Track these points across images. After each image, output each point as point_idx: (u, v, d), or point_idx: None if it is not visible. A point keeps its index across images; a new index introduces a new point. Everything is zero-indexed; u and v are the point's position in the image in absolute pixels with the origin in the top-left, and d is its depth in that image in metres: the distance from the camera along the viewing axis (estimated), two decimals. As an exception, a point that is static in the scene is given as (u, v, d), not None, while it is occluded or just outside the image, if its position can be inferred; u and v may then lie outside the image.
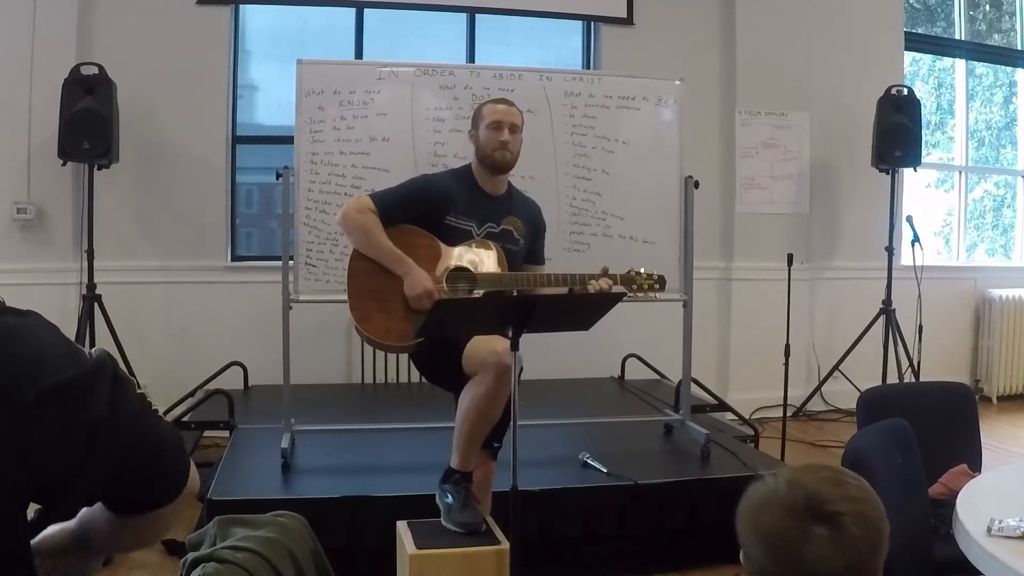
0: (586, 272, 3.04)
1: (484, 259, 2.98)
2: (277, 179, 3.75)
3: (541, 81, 3.95)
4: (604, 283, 2.96)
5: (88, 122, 4.46)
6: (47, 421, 1.02)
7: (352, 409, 4.75)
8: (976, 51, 6.69)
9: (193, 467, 1.20)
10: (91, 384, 1.07)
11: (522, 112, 3.15)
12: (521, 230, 3.10)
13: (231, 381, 4.83)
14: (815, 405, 5.78)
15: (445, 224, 2.99)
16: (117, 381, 1.10)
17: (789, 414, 4.53)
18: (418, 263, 2.94)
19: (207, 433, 4.41)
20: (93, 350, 1.14)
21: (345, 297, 3.05)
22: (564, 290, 3.00)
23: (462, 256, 2.98)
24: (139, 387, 1.18)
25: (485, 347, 2.71)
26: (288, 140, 4.08)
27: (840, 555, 1.21)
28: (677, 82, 4.09)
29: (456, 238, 2.99)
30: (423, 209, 2.99)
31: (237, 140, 5.34)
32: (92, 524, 1.21)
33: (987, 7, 6.81)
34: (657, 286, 3.13)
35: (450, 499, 2.79)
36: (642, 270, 3.13)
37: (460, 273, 2.97)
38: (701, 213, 4.29)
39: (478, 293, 2.94)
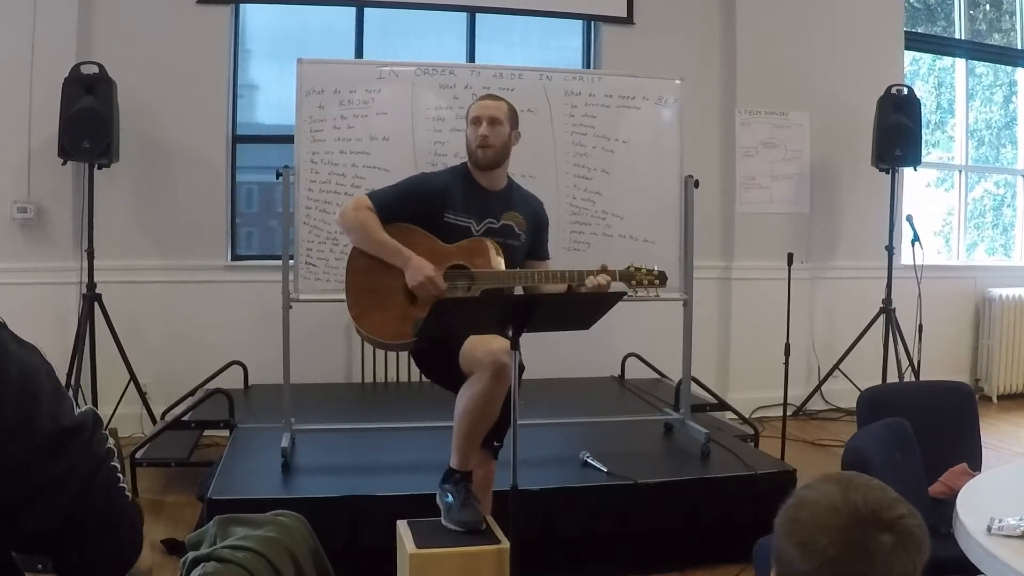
0: (587, 270, 3.03)
1: (483, 256, 2.98)
2: (277, 178, 3.75)
3: (541, 80, 3.95)
4: (602, 279, 2.95)
5: (88, 121, 4.45)
6: (18, 448, 1.03)
7: (352, 409, 4.75)
8: (976, 50, 6.69)
9: (143, 545, 1.21)
10: (65, 441, 1.08)
11: (512, 105, 3.13)
12: (522, 225, 3.09)
13: (231, 380, 4.83)
14: (815, 404, 5.79)
15: (444, 221, 2.99)
16: (87, 447, 1.13)
17: (789, 413, 4.53)
18: None
19: (207, 432, 4.41)
20: (84, 408, 1.16)
21: (345, 296, 3.05)
22: (563, 287, 2.99)
23: (460, 253, 2.98)
24: (119, 457, 1.19)
25: (481, 346, 2.71)
26: (288, 139, 4.08)
27: (909, 558, 1.18)
28: (677, 82, 4.09)
29: (455, 235, 2.99)
30: (421, 207, 2.99)
31: (237, 139, 5.33)
32: None
33: (987, 6, 6.81)
34: (658, 282, 3.11)
35: (450, 499, 2.78)
36: (642, 265, 3.11)
37: (458, 270, 2.97)
38: (701, 213, 4.29)
39: (476, 291, 2.94)
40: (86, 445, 1.11)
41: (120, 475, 1.18)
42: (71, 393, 4.15)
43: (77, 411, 1.14)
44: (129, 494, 1.18)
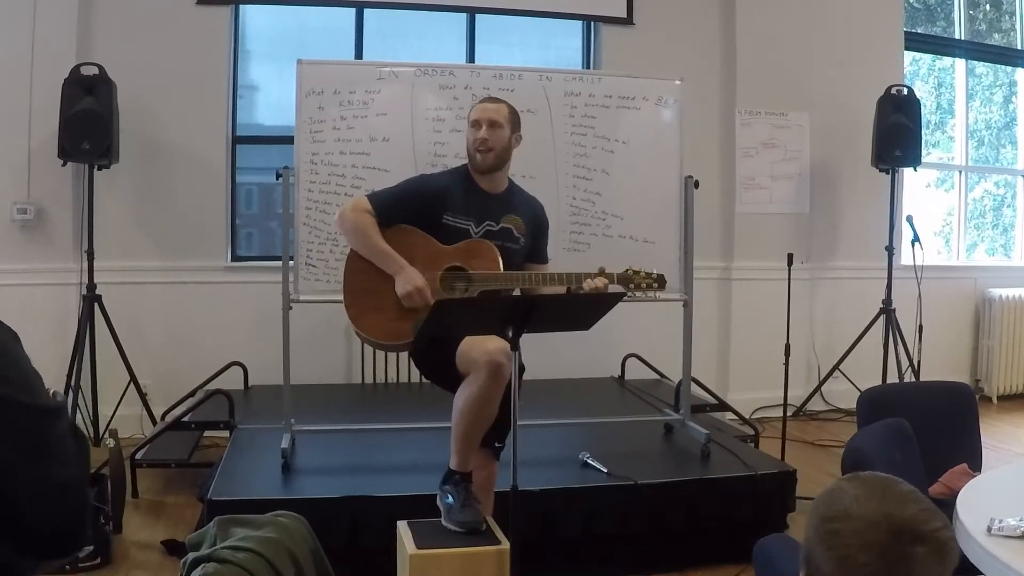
0: (584, 271, 3.03)
1: (480, 257, 2.98)
2: (277, 179, 3.75)
3: (541, 81, 3.95)
4: (600, 282, 2.95)
5: (88, 122, 4.46)
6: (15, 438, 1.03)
7: (352, 409, 4.75)
8: (976, 51, 6.70)
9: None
10: (52, 418, 1.08)
11: (513, 108, 3.12)
12: (522, 228, 3.09)
13: (231, 381, 4.83)
14: (815, 405, 5.79)
15: (442, 223, 2.99)
16: (75, 428, 1.12)
17: (789, 414, 4.53)
18: (414, 263, 2.94)
19: (207, 433, 4.41)
20: (54, 393, 1.16)
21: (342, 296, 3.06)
22: (562, 289, 2.99)
23: (458, 255, 2.98)
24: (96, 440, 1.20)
25: (477, 347, 2.70)
26: (288, 140, 4.08)
27: (940, 568, 1.21)
28: (677, 82, 4.09)
29: (453, 237, 2.99)
30: (419, 209, 3.00)
31: (237, 140, 5.33)
32: None
33: (987, 7, 6.81)
34: (656, 285, 3.10)
35: (450, 500, 2.78)
36: (640, 269, 3.11)
37: (455, 272, 2.97)
38: (701, 213, 4.29)
39: (473, 292, 2.94)
40: (71, 426, 1.12)
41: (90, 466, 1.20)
42: (71, 394, 4.14)
43: (53, 392, 1.15)
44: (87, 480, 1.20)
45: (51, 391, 1.14)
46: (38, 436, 1.07)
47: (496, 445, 2.90)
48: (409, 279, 2.89)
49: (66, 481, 1.11)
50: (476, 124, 3.04)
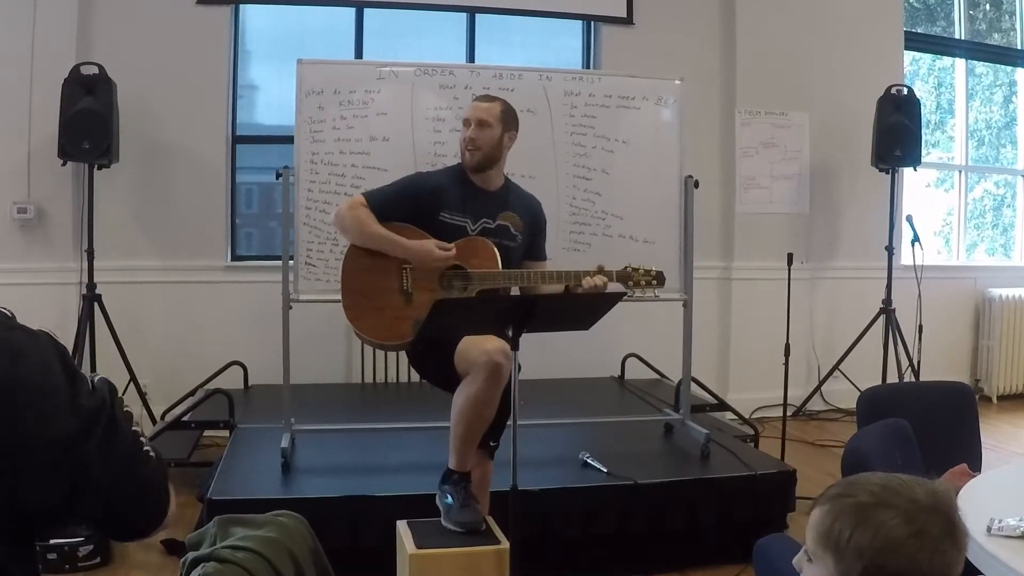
0: (583, 270, 3.02)
1: (478, 256, 2.98)
2: (277, 179, 3.75)
3: (541, 81, 3.95)
4: (598, 280, 2.95)
5: (88, 122, 4.45)
6: (40, 455, 1.03)
7: (352, 409, 4.75)
8: (976, 50, 6.69)
9: (172, 498, 1.24)
10: (88, 429, 1.09)
11: (508, 106, 3.11)
12: (519, 226, 3.08)
13: (231, 381, 4.83)
14: (815, 405, 5.79)
15: (439, 221, 2.99)
16: (112, 423, 1.13)
17: (789, 414, 4.53)
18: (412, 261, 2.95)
19: (207, 433, 4.40)
20: (96, 379, 1.16)
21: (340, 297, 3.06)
22: (560, 287, 2.99)
23: (456, 253, 2.97)
24: (136, 423, 1.21)
25: (475, 347, 2.70)
26: (288, 140, 4.08)
27: (960, 551, 1.27)
28: (677, 82, 4.09)
29: (450, 235, 2.98)
30: (416, 206, 3.00)
31: (237, 140, 5.33)
32: None
33: (987, 6, 6.81)
34: (655, 282, 3.10)
35: (450, 500, 2.78)
36: (639, 266, 3.11)
37: (454, 271, 2.97)
38: (701, 213, 4.29)
39: (472, 291, 2.94)
40: (108, 422, 1.12)
41: (143, 438, 1.20)
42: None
43: (93, 381, 1.15)
44: (153, 454, 1.20)
45: (91, 379, 1.16)
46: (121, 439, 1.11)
47: (491, 444, 2.91)
48: (423, 249, 2.90)
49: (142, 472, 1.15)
50: (466, 123, 3.05)
